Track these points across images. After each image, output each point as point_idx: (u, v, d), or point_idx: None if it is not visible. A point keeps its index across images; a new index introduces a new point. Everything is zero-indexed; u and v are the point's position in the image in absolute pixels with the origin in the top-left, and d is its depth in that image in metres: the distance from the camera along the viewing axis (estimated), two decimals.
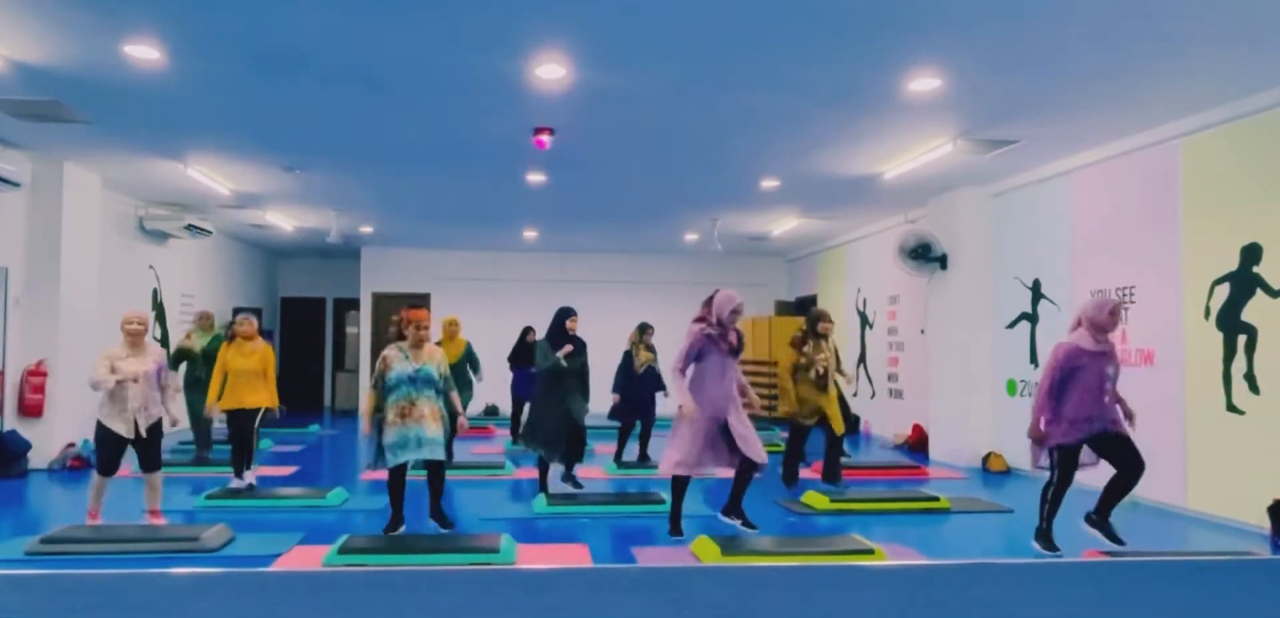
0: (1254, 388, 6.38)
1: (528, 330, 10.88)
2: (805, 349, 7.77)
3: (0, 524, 6.48)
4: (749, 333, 13.27)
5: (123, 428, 5.91)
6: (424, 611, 4.08)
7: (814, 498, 7.18)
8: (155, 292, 11.74)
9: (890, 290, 12.20)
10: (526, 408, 8.11)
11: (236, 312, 11.31)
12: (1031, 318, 9.07)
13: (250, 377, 7.60)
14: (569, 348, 7.32)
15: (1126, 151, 7.59)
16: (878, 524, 6.47)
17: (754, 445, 5.67)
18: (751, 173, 9.25)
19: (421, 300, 15.35)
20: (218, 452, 9.12)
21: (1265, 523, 6.13)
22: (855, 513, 6.86)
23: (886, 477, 8.85)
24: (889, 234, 11.56)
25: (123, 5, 4.94)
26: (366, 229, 13.59)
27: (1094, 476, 5.53)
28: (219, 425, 8.56)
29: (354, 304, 16.45)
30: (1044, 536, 5.52)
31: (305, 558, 5.39)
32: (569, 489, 7.63)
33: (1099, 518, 5.47)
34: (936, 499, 7.15)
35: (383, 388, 5.77)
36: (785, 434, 8.48)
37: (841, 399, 8.04)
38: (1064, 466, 5.42)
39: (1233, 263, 6.56)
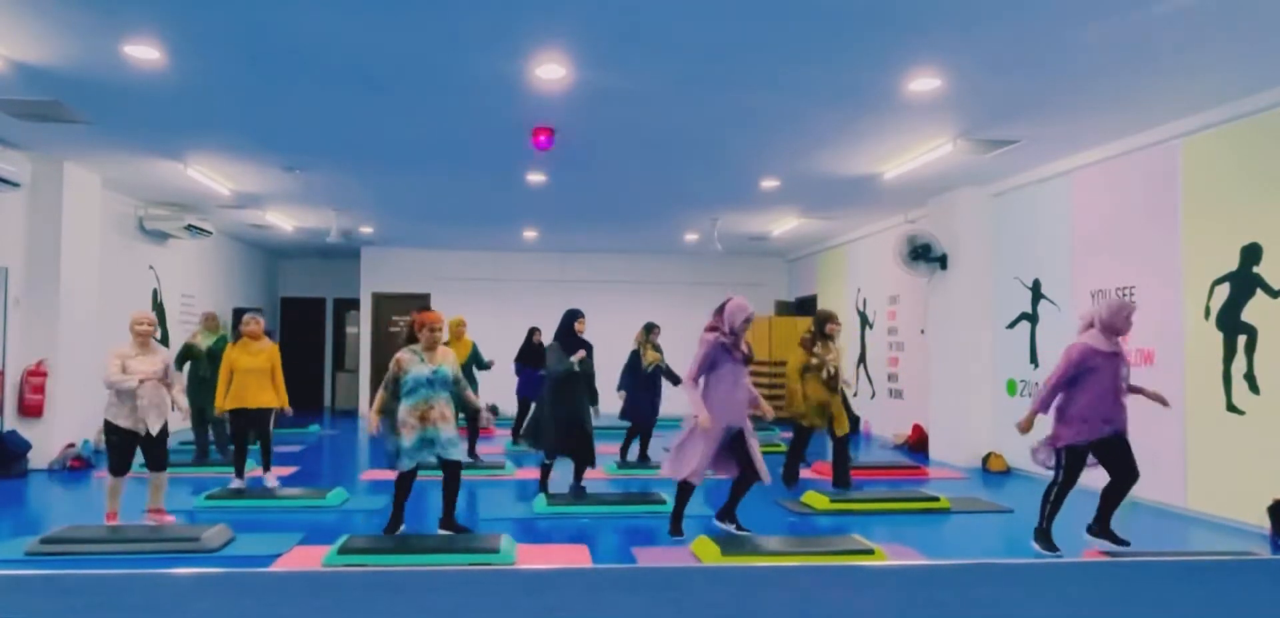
0: (1254, 388, 6.38)
1: (534, 331, 10.86)
2: (815, 350, 7.82)
3: (0, 524, 6.48)
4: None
5: (133, 426, 5.97)
6: (424, 611, 4.08)
7: (814, 498, 7.18)
8: (155, 292, 11.73)
9: (890, 290, 12.20)
10: (531, 408, 8.09)
11: (240, 312, 11.29)
12: (1031, 318, 9.07)
13: (258, 375, 7.59)
14: (582, 352, 7.33)
15: (1126, 151, 7.60)
16: (878, 524, 6.47)
17: (761, 462, 5.80)
18: (751, 173, 9.26)
19: (421, 301, 15.37)
20: (216, 453, 9.12)
21: (1265, 523, 6.14)
22: (855, 513, 6.86)
23: (886, 477, 8.85)
24: (889, 234, 11.55)
25: (123, 5, 4.94)
26: (366, 229, 13.58)
27: (1094, 476, 5.53)
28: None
29: (354, 304, 16.44)
30: (1043, 535, 5.53)
31: (305, 558, 5.39)
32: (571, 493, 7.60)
33: (1099, 528, 5.52)
34: (936, 499, 7.15)
35: (396, 390, 5.77)
36: (785, 435, 8.49)
37: (845, 400, 8.07)
38: (1071, 466, 5.43)
39: (1233, 263, 6.56)
